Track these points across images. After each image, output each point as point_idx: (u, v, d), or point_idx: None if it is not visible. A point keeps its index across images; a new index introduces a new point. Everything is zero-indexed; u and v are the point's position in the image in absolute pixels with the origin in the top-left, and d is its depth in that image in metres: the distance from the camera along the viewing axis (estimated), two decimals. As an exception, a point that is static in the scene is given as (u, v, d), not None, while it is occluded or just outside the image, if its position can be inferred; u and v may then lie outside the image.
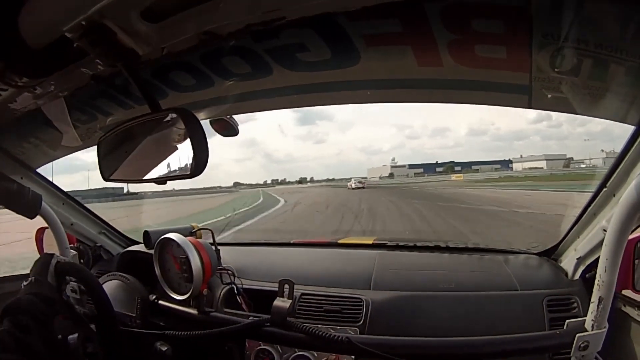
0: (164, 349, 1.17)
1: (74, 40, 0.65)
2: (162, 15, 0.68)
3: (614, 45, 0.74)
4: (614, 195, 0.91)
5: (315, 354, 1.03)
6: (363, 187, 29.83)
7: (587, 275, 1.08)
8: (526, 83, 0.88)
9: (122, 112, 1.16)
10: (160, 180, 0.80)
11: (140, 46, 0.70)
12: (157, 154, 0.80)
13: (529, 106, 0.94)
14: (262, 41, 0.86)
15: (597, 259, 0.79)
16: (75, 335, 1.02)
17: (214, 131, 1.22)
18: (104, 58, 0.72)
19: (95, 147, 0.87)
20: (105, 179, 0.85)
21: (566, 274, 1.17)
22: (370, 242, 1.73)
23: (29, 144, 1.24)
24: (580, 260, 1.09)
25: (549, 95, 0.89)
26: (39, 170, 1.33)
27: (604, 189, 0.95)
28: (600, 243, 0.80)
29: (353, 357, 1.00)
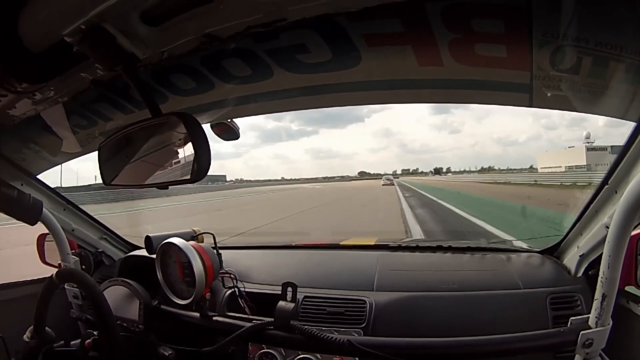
0: (167, 353, 1.17)
1: (73, 45, 0.65)
2: (162, 18, 0.68)
3: (614, 43, 0.75)
4: (616, 192, 0.91)
5: (319, 357, 1.03)
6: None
7: (590, 273, 1.08)
8: (527, 81, 0.88)
9: (123, 117, 1.15)
10: (162, 185, 0.80)
11: (140, 49, 0.70)
12: (159, 159, 0.79)
13: (530, 105, 0.94)
14: (262, 43, 0.85)
15: (600, 256, 0.78)
16: (78, 341, 1.02)
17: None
18: (104, 62, 0.72)
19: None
20: (107, 183, 0.84)
21: (569, 272, 1.17)
22: (372, 243, 1.72)
23: (29, 150, 1.23)
24: (582, 258, 1.09)
25: (550, 94, 0.89)
26: (39, 176, 1.33)
27: (606, 186, 0.94)
28: (603, 240, 0.80)
29: (357, 359, 1.00)
